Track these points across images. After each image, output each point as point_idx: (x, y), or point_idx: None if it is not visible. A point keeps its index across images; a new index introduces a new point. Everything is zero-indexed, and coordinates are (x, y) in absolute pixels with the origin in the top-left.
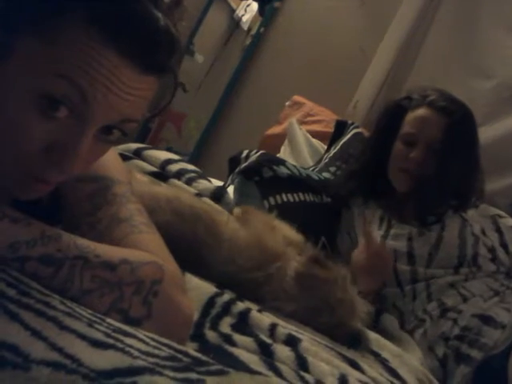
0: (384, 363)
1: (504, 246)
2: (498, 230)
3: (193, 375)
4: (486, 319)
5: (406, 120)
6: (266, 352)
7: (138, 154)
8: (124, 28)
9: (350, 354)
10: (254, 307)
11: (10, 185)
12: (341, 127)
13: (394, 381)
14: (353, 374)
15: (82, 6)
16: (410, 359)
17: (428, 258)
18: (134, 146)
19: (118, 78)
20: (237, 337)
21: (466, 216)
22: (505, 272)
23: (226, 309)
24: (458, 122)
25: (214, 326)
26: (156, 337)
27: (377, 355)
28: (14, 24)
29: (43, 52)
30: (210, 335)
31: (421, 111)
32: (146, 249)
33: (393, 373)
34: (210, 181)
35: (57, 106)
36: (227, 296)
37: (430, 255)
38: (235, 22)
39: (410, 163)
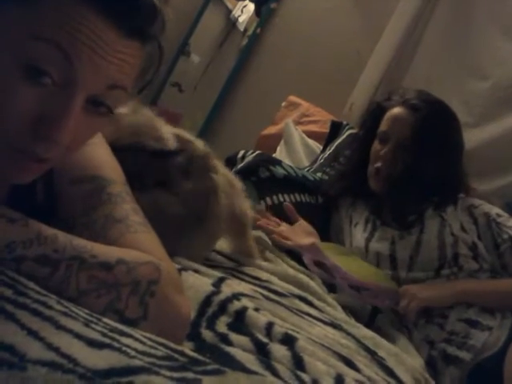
0: (380, 362)
1: (479, 237)
2: (475, 222)
3: (189, 375)
4: (473, 323)
5: (383, 119)
6: (262, 351)
7: None
8: None
9: (346, 353)
10: (250, 305)
11: (2, 165)
12: (336, 128)
13: (390, 380)
14: (349, 374)
15: None
16: (406, 358)
17: (409, 261)
18: None
19: (102, 39)
20: (233, 336)
21: (445, 215)
22: (489, 269)
23: (223, 307)
24: (425, 117)
25: (211, 326)
26: (152, 336)
27: (373, 354)
28: None
29: (22, 17)
30: (207, 335)
31: (395, 110)
32: (142, 248)
33: (389, 372)
34: None
35: (42, 72)
36: (224, 294)
37: (411, 259)
38: (231, 23)
39: (381, 161)
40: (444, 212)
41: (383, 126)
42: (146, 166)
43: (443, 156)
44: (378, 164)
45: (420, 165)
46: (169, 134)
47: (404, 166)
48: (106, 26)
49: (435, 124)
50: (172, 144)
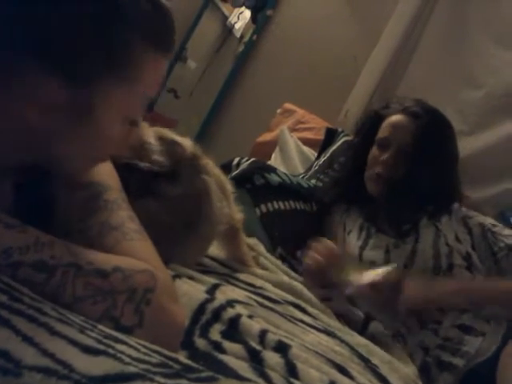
0: (374, 370)
1: (473, 247)
2: (470, 232)
3: (183, 382)
4: (466, 329)
5: (382, 126)
6: (255, 359)
7: None
8: (162, 30)
9: (340, 360)
10: (244, 312)
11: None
12: (330, 135)
13: None
14: (342, 381)
15: (138, 32)
16: (399, 366)
17: (403, 270)
18: None
19: (162, 74)
20: (226, 344)
21: (440, 225)
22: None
23: (217, 315)
24: (426, 125)
25: (204, 334)
26: (147, 344)
27: (367, 361)
28: (97, 79)
29: (123, 89)
30: (200, 343)
31: (395, 117)
32: (138, 256)
33: (382, 379)
34: None
35: (134, 121)
36: (218, 301)
37: (406, 267)
38: (228, 29)
39: (381, 166)
40: (439, 222)
41: (383, 133)
42: (128, 178)
43: (441, 164)
44: (379, 169)
45: (419, 171)
46: (152, 138)
47: (405, 171)
48: (162, 60)
49: (434, 132)
50: (155, 153)
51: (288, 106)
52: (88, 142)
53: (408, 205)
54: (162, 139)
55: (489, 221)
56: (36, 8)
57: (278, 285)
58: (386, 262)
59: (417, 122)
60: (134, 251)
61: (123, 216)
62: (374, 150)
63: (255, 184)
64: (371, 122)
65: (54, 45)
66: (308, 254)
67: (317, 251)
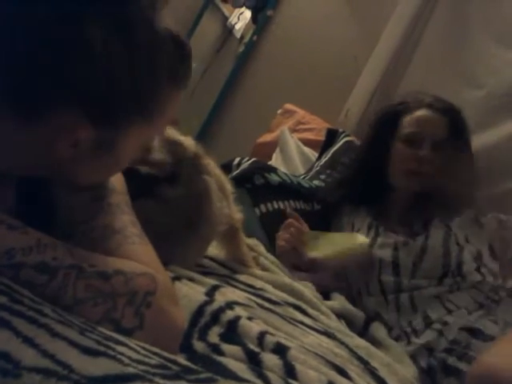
0: (373, 372)
1: (488, 243)
2: (483, 228)
3: (182, 383)
4: (475, 332)
5: (405, 122)
6: (253, 360)
7: None
8: (184, 68)
9: (339, 361)
10: (243, 314)
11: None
12: (331, 135)
13: None
14: (341, 382)
15: (165, 76)
16: (399, 368)
17: (412, 268)
18: None
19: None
20: (225, 346)
21: (451, 224)
22: (491, 282)
23: (215, 317)
24: (455, 120)
25: (203, 337)
26: (146, 346)
27: (366, 364)
28: (124, 122)
29: (146, 126)
30: (198, 346)
31: (421, 112)
32: (139, 259)
33: (381, 382)
34: None
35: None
36: (217, 304)
37: (414, 265)
38: (228, 30)
39: (420, 162)
40: (451, 221)
41: (408, 128)
42: (129, 181)
43: (465, 159)
44: (412, 165)
45: (451, 166)
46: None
47: (439, 166)
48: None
49: (462, 127)
50: (157, 152)
51: (288, 106)
52: (106, 167)
53: (432, 202)
54: (166, 140)
55: (501, 216)
56: (68, 60)
57: (279, 286)
58: (395, 259)
59: (445, 117)
60: (135, 254)
61: (126, 220)
62: (401, 147)
63: (255, 184)
64: (388, 119)
65: (88, 93)
66: (279, 237)
67: (286, 233)
